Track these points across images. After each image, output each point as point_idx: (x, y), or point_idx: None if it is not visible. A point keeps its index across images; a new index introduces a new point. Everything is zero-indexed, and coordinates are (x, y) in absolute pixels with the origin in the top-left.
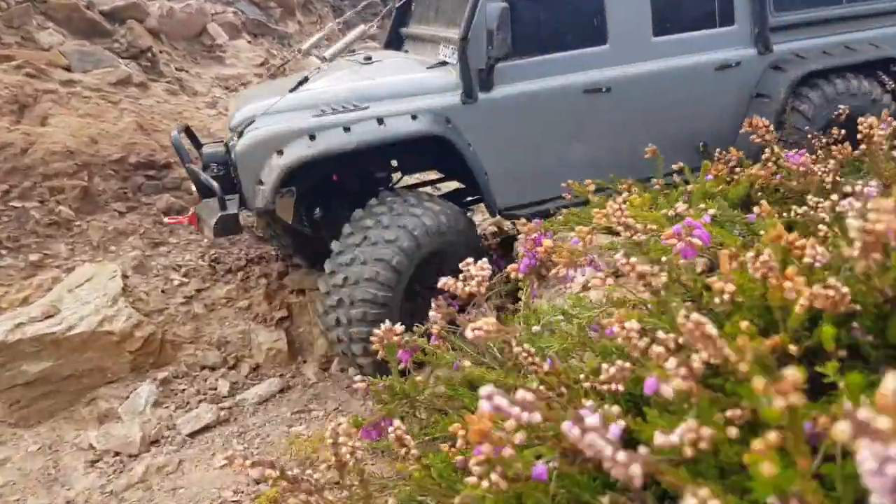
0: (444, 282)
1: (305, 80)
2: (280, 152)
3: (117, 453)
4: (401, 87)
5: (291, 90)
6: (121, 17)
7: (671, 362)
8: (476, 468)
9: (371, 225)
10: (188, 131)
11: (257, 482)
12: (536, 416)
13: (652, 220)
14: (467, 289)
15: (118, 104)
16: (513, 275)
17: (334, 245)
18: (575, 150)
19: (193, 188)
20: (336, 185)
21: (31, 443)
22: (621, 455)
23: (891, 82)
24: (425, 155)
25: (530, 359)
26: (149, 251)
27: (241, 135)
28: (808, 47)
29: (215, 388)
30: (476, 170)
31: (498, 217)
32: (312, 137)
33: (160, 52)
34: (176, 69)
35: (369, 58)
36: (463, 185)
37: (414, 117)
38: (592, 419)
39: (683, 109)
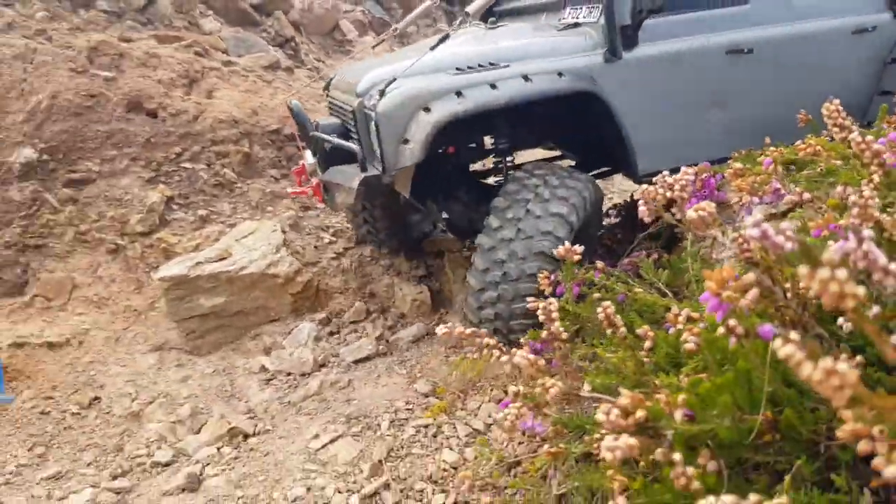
0: (644, 189)
1: (446, 37)
2: (427, 109)
3: (289, 373)
4: (539, 47)
5: (432, 48)
6: (268, 9)
7: None
8: (691, 339)
9: (530, 198)
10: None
11: (426, 395)
12: (793, 245)
13: (838, 153)
14: (669, 194)
15: (271, 83)
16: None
17: (491, 220)
18: (717, 113)
19: (308, 158)
20: (446, 159)
21: (206, 366)
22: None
23: None
24: (552, 123)
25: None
26: (300, 213)
27: (382, 94)
28: None
29: (367, 331)
30: (626, 130)
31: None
32: (459, 94)
33: (301, 42)
34: (314, 59)
35: (495, 23)
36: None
37: (560, 74)
38: (867, 232)
39: (821, 73)
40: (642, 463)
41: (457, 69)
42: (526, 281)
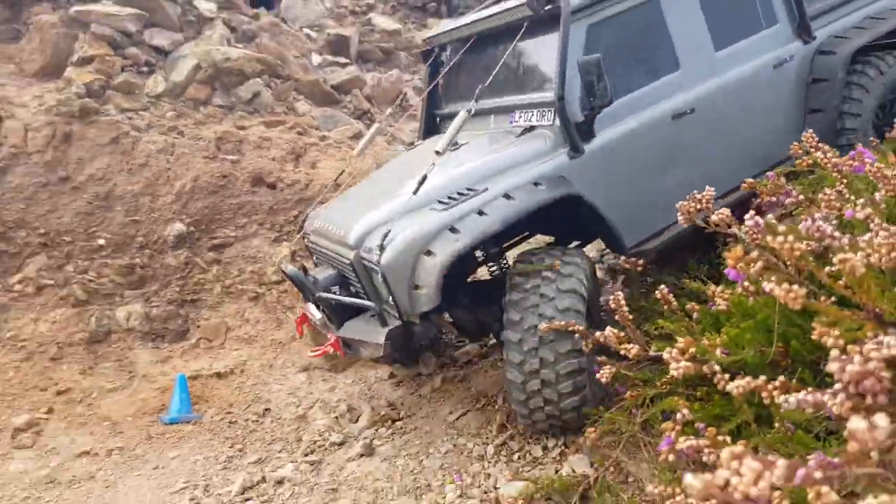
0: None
1: (424, 178)
2: (429, 252)
3: (415, 376)
4: (507, 159)
5: (415, 192)
6: (346, 88)
7: None
8: (721, 301)
9: (540, 283)
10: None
11: None
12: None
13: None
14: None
15: None
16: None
17: (511, 315)
18: (678, 173)
19: (314, 313)
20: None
21: (346, 379)
22: None
23: None
24: (536, 221)
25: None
26: None
27: (382, 248)
28: (840, 27)
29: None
30: (604, 213)
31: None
32: (454, 230)
33: (375, 112)
34: (387, 125)
35: (455, 143)
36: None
37: (536, 184)
38: (819, 215)
39: (758, 109)
40: (698, 393)
41: (440, 202)
42: (563, 360)
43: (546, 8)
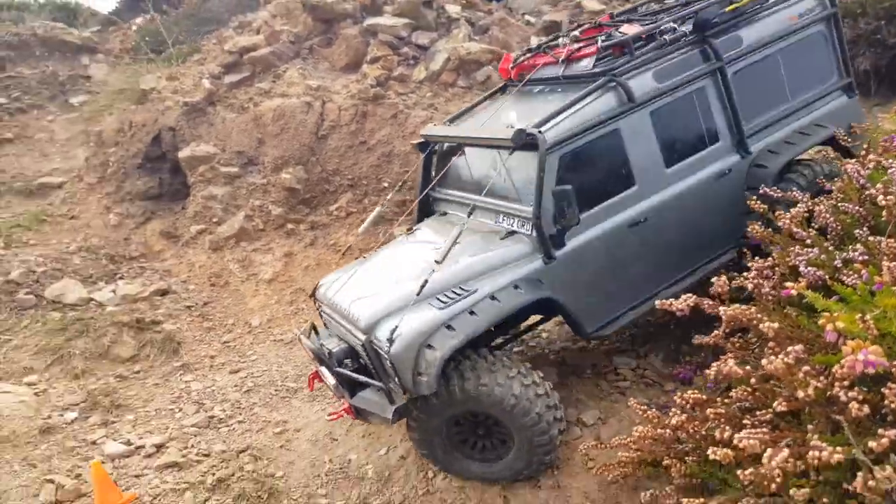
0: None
1: (425, 283)
2: (430, 346)
3: None
4: (491, 262)
5: (418, 294)
6: None
7: None
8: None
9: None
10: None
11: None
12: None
13: None
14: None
15: None
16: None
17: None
18: (634, 269)
19: (328, 378)
20: None
21: None
22: None
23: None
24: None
25: None
26: None
27: (391, 341)
28: (774, 141)
29: None
30: (568, 307)
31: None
32: (450, 328)
33: None
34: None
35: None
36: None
37: (516, 286)
38: None
39: (702, 214)
40: None
41: (439, 300)
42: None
43: (525, 140)
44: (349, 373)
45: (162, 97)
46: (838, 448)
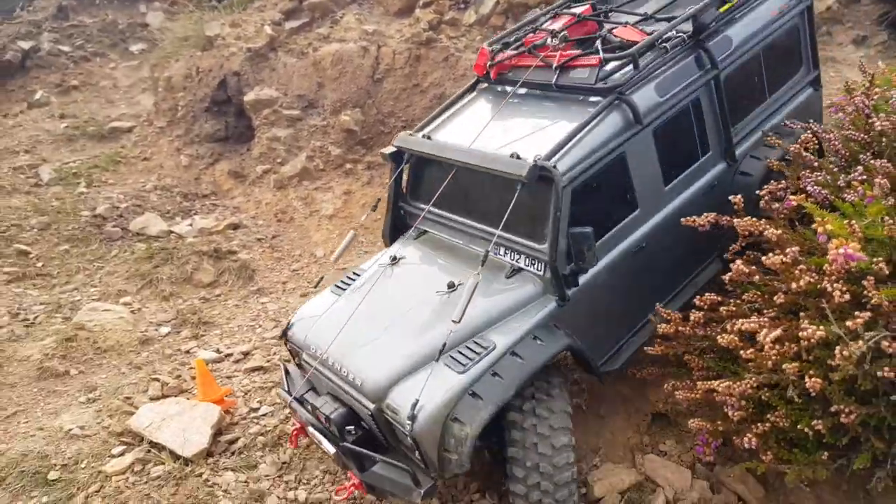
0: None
1: (444, 347)
2: (456, 419)
3: None
4: (502, 308)
5: (437, 360)
6: None
7: None
8: None
9: (536, 423)
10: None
11: None
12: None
13: None
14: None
15: None
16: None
17: (515, 452)
18: (635, 293)
19: (328, 447)
20: None
21: None
22: None
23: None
24: None
25: None
26: None
27: (413, 418)
28: (754, 142)
29: None
30: (585, 354)
31: None
32: (474, 395)
33: None
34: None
35: (452, 284)
36: None
37: (535, 338)
38: None
39: (694, 229)
40: None
41: (454, 359)
42: (564, 485)
43: (540, 176)
44: (359, 449)
45: (226, 43)
46: (821, 328)
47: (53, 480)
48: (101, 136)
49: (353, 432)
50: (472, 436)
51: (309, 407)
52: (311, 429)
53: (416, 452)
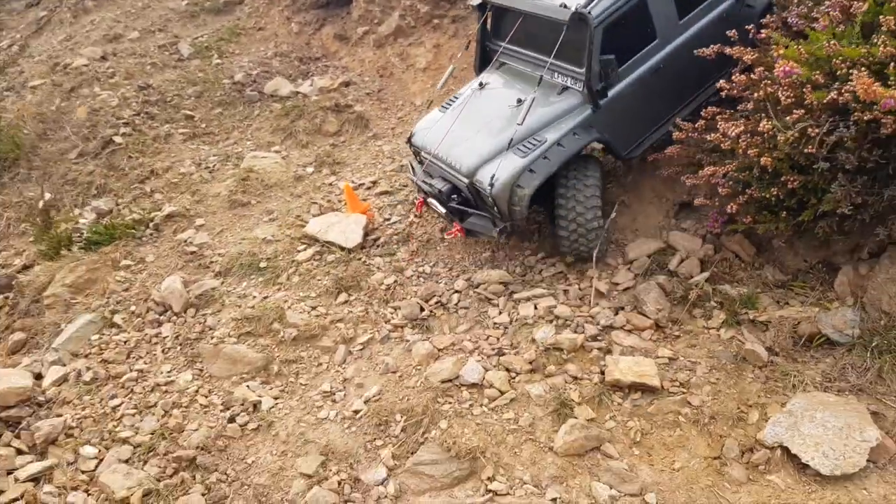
0: None
1: (511, 140)
2: (519, 186)
3: None
4: (553, 115)
5: (508, 147)
6: None
7: None
8: None
9: (575, 192)
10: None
11: None
12: None
13: None
14: None
15: None
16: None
17: (561, 209)
18: (654, 102)
19: (440, 209)
20: None
21: None
22: None
23: None
24: None
25: None
26: None
27: (492, 185)
28: None
29: None
30: (612, 145)
31: None
32: (531, 171)
33: None
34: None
35: (519, 100)
36: None
37: (574, 133)
38: None
39: (707, 42)
40: None
41: (520, 149)
42: (591, 222)
43: (579, 19)
44: (460, 207)
45: None
46: (771, 123)
47: (263, 267)
48: (217, 10)
49: (455, 199)
50: (528, 195)
51: (427, 185)
52: (430, 199)
53: (495, 208)
